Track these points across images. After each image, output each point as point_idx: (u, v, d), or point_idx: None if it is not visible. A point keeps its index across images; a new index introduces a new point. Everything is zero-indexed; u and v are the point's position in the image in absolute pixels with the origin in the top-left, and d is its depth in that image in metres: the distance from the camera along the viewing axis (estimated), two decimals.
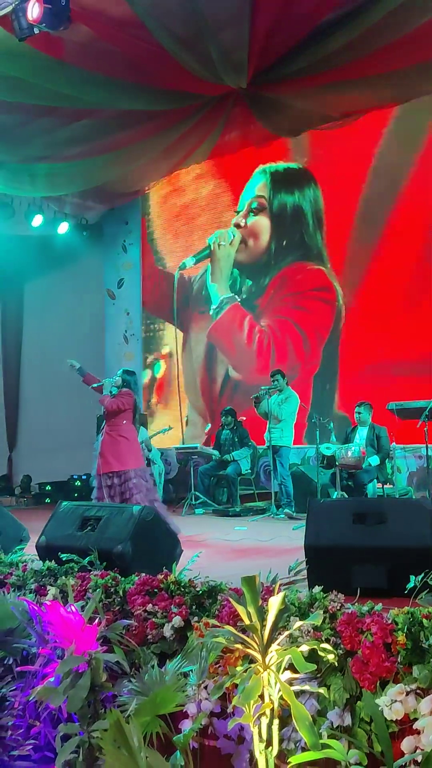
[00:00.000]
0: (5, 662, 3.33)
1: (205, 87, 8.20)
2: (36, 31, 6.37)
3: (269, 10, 6.96)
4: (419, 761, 2.28)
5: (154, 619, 3.19)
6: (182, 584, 3.31)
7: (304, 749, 2.42)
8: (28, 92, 7.76)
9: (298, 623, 2.64)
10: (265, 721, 2.44)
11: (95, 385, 6.75)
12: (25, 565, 4.16)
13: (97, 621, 2.95)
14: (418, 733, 2.31)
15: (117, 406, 6.48)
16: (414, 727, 2.33)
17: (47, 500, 11.15)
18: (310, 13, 7.08)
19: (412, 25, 6.94)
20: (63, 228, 11.63)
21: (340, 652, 2.60)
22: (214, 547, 5.86)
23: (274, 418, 8.24)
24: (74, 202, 11.55)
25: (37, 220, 11.19)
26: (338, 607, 2.77)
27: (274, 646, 2.51)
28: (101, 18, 6.89)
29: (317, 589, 2.93)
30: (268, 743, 2.45)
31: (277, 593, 2.61)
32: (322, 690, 2.50)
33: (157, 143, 9.58)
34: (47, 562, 4.07)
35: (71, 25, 6.36)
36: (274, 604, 2.51)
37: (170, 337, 11.77)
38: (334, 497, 7.39)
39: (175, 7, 6.80)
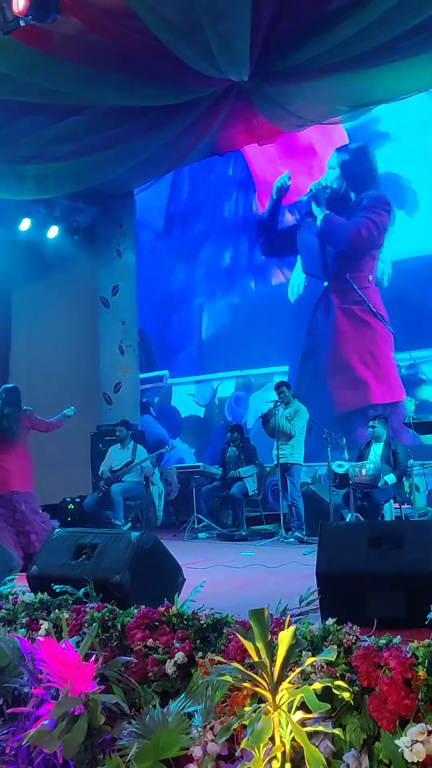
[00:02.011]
0: None
1: (204, 80, 8.24)
2: (22, 23, 6.41)
3: None
4: None
5: (155, 656, 3.19)
6: (185, 617, 3.31)
7: None
8: (14, 88, 7.80)
9: (311, 659, 2.64)
10: (276, 765, 2.44)
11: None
12: (16, 598, 4.15)
13: (93, 658, 2.95)
14: None
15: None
16: None
17: None
18: (315, 1, 7.13)
19: (422, 14, 6.98)
20: (53, 232, 11.67)
21: (356, 689, 2.60)
22: (219, 575, 5.86)
23: (284, 434, 8.25)
24: (64, 204, 11.59)
25: (25, 224, 11.24)
26: (353, 641, 2.78)
27: (285, 684, 2.52)
28: (91, 8, 6.93)
29: (330, 621, 2.93)
30: None
31: (288, 626, 2.61)
32: (337, 731, 2.50)
33: (153, 141, 9.62)
34: (39, 593, 4.07)
35: (60, 16, 6.41)
36: (285, 638, 2.51)
37: None
38: (347, 519, 7.38)
39: None
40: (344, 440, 8.16)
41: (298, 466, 8.39)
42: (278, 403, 8.39)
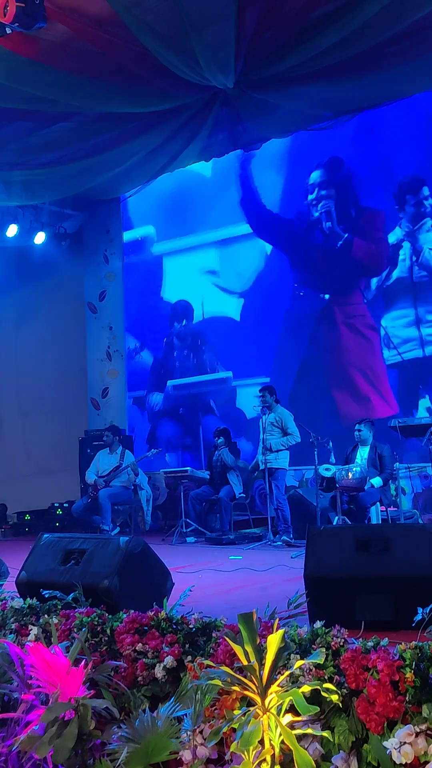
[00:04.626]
0: None
1: (190, 87, 8.26)
2: (8, 30, 6.40)
3: (257, 5, 7.03)
4: None
5: (144, 660, 3.19)
6: (174, 621, 3.31)
7: None
8: (1, 95, 7.80)
9: (299, 662, 2.65)
10: None
11: None
12: (5, 603, 4.14)
13: (83, 663, 2.94)
14: None
15: None
16: None
17: (26, 530, 11.10)
18: (299, 9, 7.16)
19: (406, 21, 7.03)
20: (40, 238, 11.66)
21: (345, 691, 2.61)
22: (207, 579, 5.86)
23: (266, 447, 8.31)
24: (51, 210, 11.58)
25: (12, 230, 11.22)
26: (341, 643, 2.79)
27: (274, 687, 2.52)
28: (78, 16, 6.94)
29: (318, 624, 2.94)
30: None
31: (276, 630, 2.62)
32: (326, 733, 2.51)
33: (139, 147, 9.63)
34: (28, 599, 4.06)
35: (47, 24, 6.40)
36: (273, 642, 2.52)
37: None
38: (334, 522, 7.40)
39: (156, 3, 6.87)
40: (331, 444, 8.17)
41: (283, 470, 8.41)
42: (264, 408, 8.44)
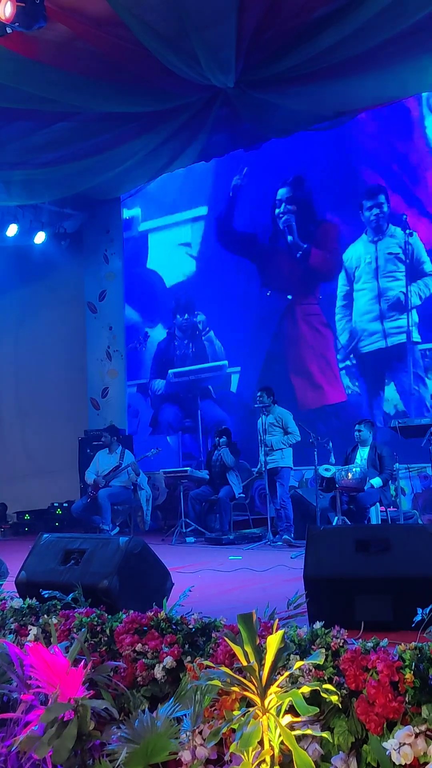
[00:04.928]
0: None
1: (190, 87, 8.27)
2: (8, 30, 6.40)
3: (257, 5, 7.04)
4: None
5: (144, 660, 3.19)
6: (174, 621, 3.31)
7: None
8: (1, 94, 7.80)
9: (299, 662, 2.65)
10: None
11: None
12: (4, 603, 4.14)
13: (82, 663, 2.94)
14: None
15: None
16: None
17: (26, 530, 11.10)
18: (300, 9, 7.16)
19: (407, 21, 7.03)
20: (40, 238, 11.66)
21: (344, 692, 2.61)
22: (207, 580, 5.86)
23: (268, 446, 8.31)
24: (51, 210, 11.58)
25: (12, 230, 11.21)
26: (341, 644, 2.78)
27: (273, 688, 2.52)
28: (78, 16, 6.94)
29: (318, 624, 2.94)
30: None
31: (276, 630, 2.62)
32: (325, 734, 2.51)
33: (139, 147, 9.64)
34: (28, 599, 4.06)
35: (47, 23, 6.41)
36: (273, 642, 2.52)
37: None
38: (334, 523, 7.39)
39: (156, 3, 6.87)
40: (331, 444, 8.18)
41: (288, 469, 8.43)
42: (263, 409, 8.46)
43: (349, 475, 7.41)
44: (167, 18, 7.01)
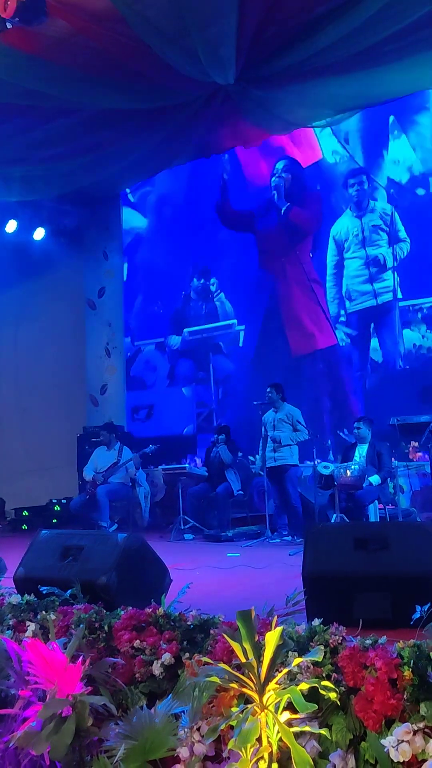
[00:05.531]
0: None
1: (191, 84, 8.25)
2: (9, 26, 6.39)
3: (258, 2, 7.02)
4: None
5: (142, 656, 3.19)
6: (172, 618, 3.31)
7: None
8: (1, 90, 7.79)
9: (297, 659, 2.64)
10: (263, 765, 2.44)
11: None
12: (2, 599, 4.13)
13: (80, 659, 2.94)
14: None
15: None
16: None
17: (24, 527, 11.09)
18: (301, 6, 7.15)
19: (407, 18, 7.01)
20: (39, 234, 11.64)
21: (343, 689, 2.61)
22: (205, 576, 5.85)
23: (276, 442, 8.31)
24: (51, 206, 11.56)
25: (11, 226, 11.20)
26: (340, 641, 2.78)
27: (271, 685, 2.52)
28: (79, 12, 6.92)
29: (317, 621, 2.94)
30: None
31: (274, 627, 2.61)
32: (323, 731, 2.51)
33: (140, 143, 9.62)
34: (26, 595, 4.05)
35: (47, 19, 6.39)
36: (272, 639, 2.52)
37: None
38: (332, 520, 7.39)
39: None
40: (330, 442, 8.21)
41: (296, 467, 8.42)
42: (271, 404, 8.47)
43: (348, 472, 7.41)
44: (168, 14, 7.00)
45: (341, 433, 9.40)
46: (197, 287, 12.30)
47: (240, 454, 9.47)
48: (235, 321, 11.78)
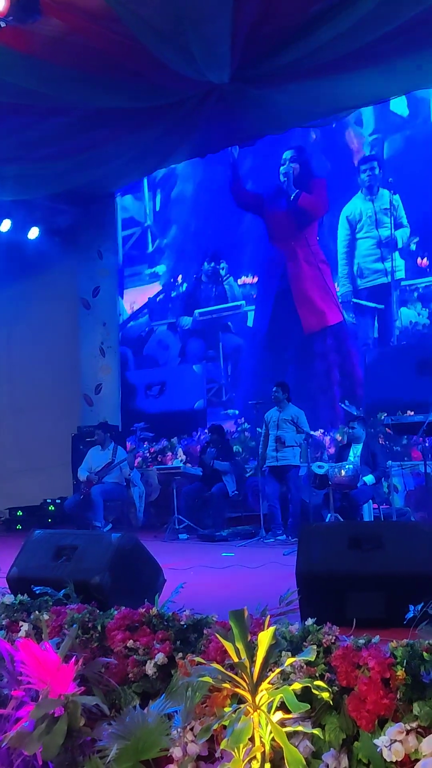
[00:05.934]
0: None
1: (186, 82, 8.25)
2: (2, 24, 6.37)
3: (253, 0, 7.02)
4: None
5: (135, 656, 3.18)
6: (165, 618, 3.30)
7: None
8: None
9: (290, 659, 2.64)
10: (256, 765, 2.44)
11: None
12: None
13: (73, 659, 2.93)
14: None
15: None
16: None
17: (18, 527, 11.08)
18: (296, 5, 7.14)
19: (403, 17, 7.02)
20: (33, 233, 11.62)
21: (336, 689, 2.60)
22: (199, 576, 5.85)
23: (280, 442, 8.31)
24: (45, 205, 11.55)
25: (5, 225, 11.18)
26: (333, 641, 2.78)
27: (264, 685, 2.52)
28: (73, 10, 6.91)
29: (310, 621, 2.93)
30: None
31: (267, 627, 2.61)
32: (316, 731, 2.50)
33: (134, 142, 9.61)
34: (19, 595, 4.04)
35: (41, 17, 6.38)
36: (264, 639, 2.51)
37: None
38: (327, 520, 7.40)
39: None
40: (324, 440, 8.22)
41: (298, 467, 8.43)
42: (276, 403, 8.53)
43: (342, 472, 7.42)
44: (162, 13, 6.98)
45: (342, 405, 9.66)
46: (207, 270, 12.76)
47: (235, 451, 9.46)
48: (243, 302, 12.25)
